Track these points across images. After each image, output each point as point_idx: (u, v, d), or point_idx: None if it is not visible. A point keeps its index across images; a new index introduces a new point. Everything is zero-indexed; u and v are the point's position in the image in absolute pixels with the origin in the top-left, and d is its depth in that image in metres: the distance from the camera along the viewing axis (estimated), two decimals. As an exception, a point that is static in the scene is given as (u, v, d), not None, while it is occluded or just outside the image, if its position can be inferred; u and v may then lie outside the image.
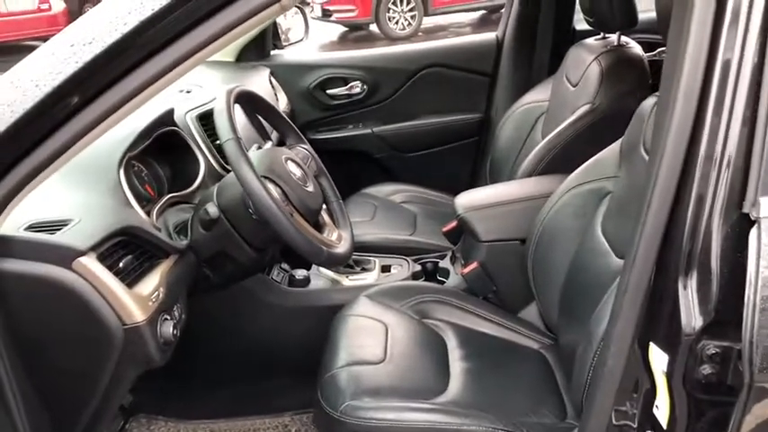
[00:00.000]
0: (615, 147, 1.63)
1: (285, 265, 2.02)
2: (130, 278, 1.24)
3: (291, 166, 1.53)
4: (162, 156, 1.65)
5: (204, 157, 1.69)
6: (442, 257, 2.13)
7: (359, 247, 2.13)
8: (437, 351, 1.65)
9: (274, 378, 1.94)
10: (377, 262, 2.06)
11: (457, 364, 1.61)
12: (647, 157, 1.41)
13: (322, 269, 2.01)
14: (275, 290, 1.90)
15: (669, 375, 1.01)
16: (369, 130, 2.74)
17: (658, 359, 1.04)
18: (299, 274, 1.95)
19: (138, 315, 1.19)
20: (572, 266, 1.62)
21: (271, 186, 1.41)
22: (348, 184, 2.54)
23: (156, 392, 1.97)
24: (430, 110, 2.74)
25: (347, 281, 1.98)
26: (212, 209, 1.46)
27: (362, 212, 2.39)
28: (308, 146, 1.75)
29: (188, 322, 1.74)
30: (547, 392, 1.58)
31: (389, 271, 2.05)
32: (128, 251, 1.26)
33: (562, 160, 1.93)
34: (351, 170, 2.62)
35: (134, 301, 1.19)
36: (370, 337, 1.63)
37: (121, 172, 1.37)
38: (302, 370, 1.67)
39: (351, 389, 1.46)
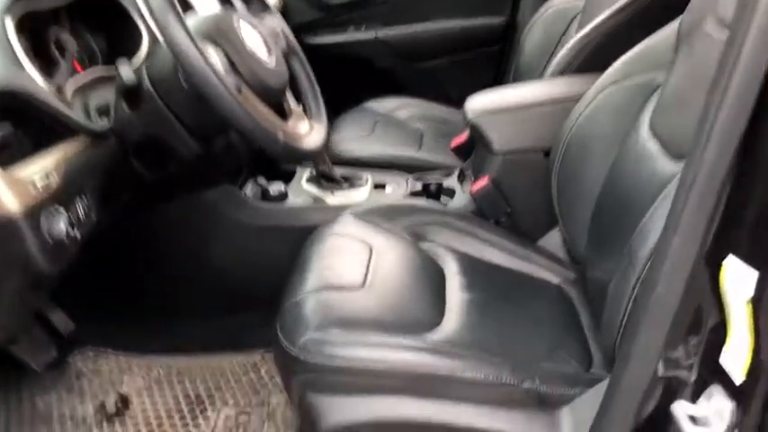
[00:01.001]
0: (669, 29, 1.27)
1: (262, 181, 1.69)
2: (9, 155, 0.92)
3: (246, 31, 1.18)
4: (97, 26, 1.31)
5: (147, 27, 1.35)
6: (449, 176, 1.79)
7: (350, 161, 1.80)
8: (432, 280, 1.33)
9: (243, 310, 1.64)
10: (369, 178, 1.72)
11: (456, 296, 1.28)
12: (721, 34, 1.05)
13: (304, 184, 1.68)
14: (243, 204, 1.59)
15: (756, 302, 0.68)
16: (372, 35, 2.37)
17: (738, 281, 0.72)
18: (275, 187, 1.62)
19: (11, 202, 0.88)
20: (608, 179, 1.27)
21: (210, 48, 1.08)
22: (346, 95, 2.20)
23: (104, 322, 1.69)
24: (444, 11, 2.35)
25: (332, 198, 1.65)
26: (126, 72, 1.13)
27: (360, 127, 2.05)
28: (278, 17, 1.39)
29: (139, 239, 1.45)
30: (568, 335, 1.26)
31: (384, 189, 1.72)
32: (9, 121, 0.94)
33: (599, 57, 1.55)
34: (350, 80, 2.27)
35: (6, 184, 0.88)
36: (350, 259, 1.31)
37: (8, 20, 1.03)
38: (276, 301, 1.35)
39: (317, 319, 1.15)
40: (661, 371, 0.85)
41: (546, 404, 1.07)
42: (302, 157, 1.46)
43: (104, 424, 1.50)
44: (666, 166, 1.09)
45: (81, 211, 1.03)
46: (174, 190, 1.41)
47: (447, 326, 1.20)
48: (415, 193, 1.70)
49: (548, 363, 1.13)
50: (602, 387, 1.07)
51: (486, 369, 1.06)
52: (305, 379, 1.10)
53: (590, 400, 1.06)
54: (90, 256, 1.54)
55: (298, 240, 1.45)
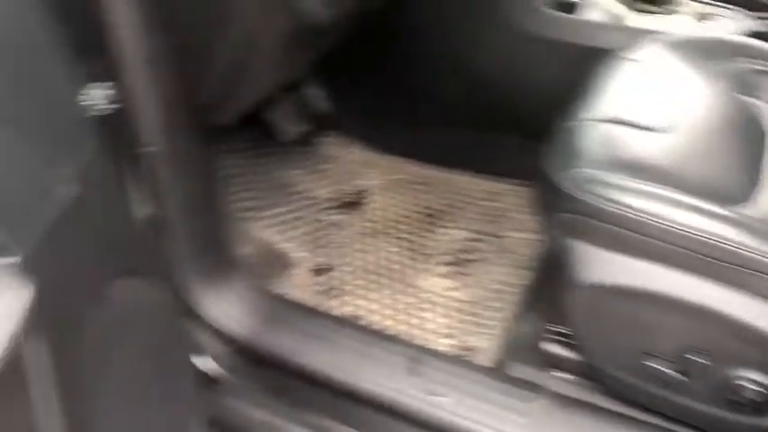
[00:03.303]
0: None
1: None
2: None
3: None
4: None
5: None
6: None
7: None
8: (748, 141, 1.03)
9: (499, 130, 1.46)
10: (692, 4, 1.37)
11: (778, 168, 0.99)
12: None
13: (601, -2, 1.39)
14: (528, 11, 1.35)
15: None
16: None
17: None
18: (575, -8, 1.35)
19: None
20: None
21: None
22: None
23: (357, 112, 1.62)
24: None
25: (635, 20, 1.35)
26: None
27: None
28: None
29: (409, 32, 1.33)
30: None
31: (708, 21, 1.36)
32: None
33: None
34: None
35: None
36: (650, 96, 1.05)
37: None
38: (539, 128, 1.16)
39: (596, 151, 0.94)
40: None
41: None
42: None
43: (338, 209, 1.48)
44: None
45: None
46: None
47: (761, 200, 0.93)
48: (749, 36, 1.33)
49: None
50: None
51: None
52: (566, 219, 0.92)
53: None
54: (355, 43, 1.44)
55: (580, 62, 1.20)
